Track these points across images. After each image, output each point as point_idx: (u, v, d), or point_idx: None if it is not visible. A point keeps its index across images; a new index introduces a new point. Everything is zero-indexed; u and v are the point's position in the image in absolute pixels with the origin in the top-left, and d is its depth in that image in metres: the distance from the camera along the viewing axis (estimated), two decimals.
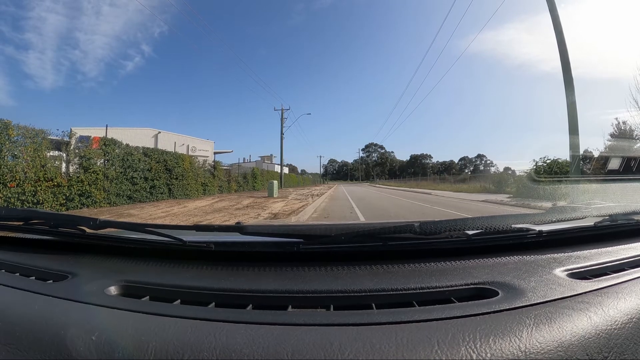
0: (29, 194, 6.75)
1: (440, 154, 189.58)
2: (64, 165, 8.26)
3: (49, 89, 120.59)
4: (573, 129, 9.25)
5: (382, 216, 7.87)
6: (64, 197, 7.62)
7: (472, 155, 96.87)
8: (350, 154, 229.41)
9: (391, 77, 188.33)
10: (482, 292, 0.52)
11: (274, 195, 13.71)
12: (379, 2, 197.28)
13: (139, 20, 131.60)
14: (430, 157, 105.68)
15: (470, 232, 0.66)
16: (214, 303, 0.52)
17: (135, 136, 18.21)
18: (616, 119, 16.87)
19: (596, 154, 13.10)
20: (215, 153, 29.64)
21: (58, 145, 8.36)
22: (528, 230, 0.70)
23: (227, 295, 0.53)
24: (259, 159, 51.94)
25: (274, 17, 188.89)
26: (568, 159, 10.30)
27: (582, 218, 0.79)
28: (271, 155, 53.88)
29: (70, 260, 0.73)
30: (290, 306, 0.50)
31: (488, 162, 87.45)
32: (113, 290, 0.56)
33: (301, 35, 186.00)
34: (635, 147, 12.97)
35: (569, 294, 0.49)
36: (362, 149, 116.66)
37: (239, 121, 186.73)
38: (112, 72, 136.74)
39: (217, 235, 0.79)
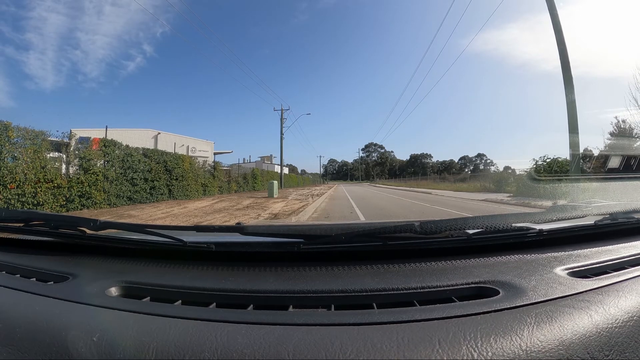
0: (29, 196, 6.74)
1: (440, 154, 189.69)
2: (63, 166, 8.25)
3: (50, 90, 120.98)
4: (573, 128, 9.26)
5: (382, 216, 7.87)
6: (64, 198, 7.61)
7: (472, 154, 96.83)
8: (350, 154, 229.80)
9: (392, 76, 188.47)
10: (482, 291, 0.52)
11: (274, 196, 13.70)
12: (381, 0, 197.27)
13: (140, 19, 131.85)
14: (430, 156, 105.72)
15: (471, 232, 0.66)
16: (214, 303, 0.51)
17: (135, 137, 18.19)
18: (616, 117, 16.83)
19: (596, 153, 13.10)
20: (215, 154, 29.63)
21: (58, 146, 8.36)
22: (528, 229, 0.69)
23: (228, 295, 0.53)
24: (259, 159, 51.92)
25: (276, 16, 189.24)
26: (568, 157, 10.31)
27: (583, 217, 0.79)
28: (271, 155, 53.86)
29: (70, 262, 0.73)
30: (291, 306, 0.50)
31: (488, 161, 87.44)
32: (114, 291, 0.56)
33: (303, 35, 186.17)
34: (635, 145, 12.93)
35: (570, 293, 0.49)
36: (362, 149, 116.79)
37: (239, 122, 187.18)
38: (113, 72, 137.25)
39: (218, 235, 0.79)
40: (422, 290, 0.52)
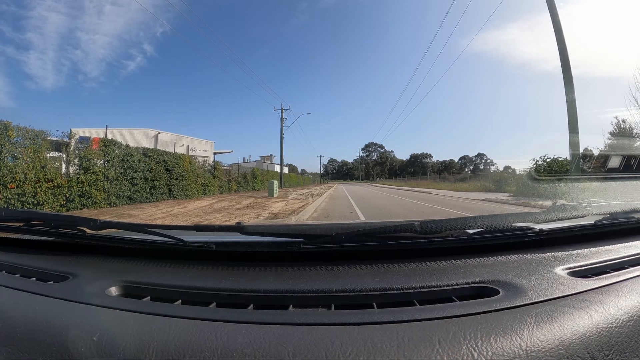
0: (29, 195, 6.74)
1: (440, 153, 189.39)
2: (63, 166, 8.24)
3: (50, 90, 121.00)
4: (573, 128, 9.26)
5: (382, 215, 7.87)
6: (64, 198, 7.61)
7: (472, 154, 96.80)
8: (350, 154, 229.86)
9: (392, 76, 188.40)
10: (483, 291, 0.52)
11: (274, 195, 13.70)
12: (381, 0, 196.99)
13: (141, 19, 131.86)
14: (430, 156, 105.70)
15: (471, 231, 0.66)
16: (214, 303, 0.52)
17: (135, 137, 18.20)
18: (616, 117, 16.87)
19: (596, 153, 13.11)
20: (215, 153, 29.62)
21: (58, 146, 8.35)
22: (528, 228, 0.69)
23: (228, 295, 0.53)
24: (259, 159, 51.93)
25: (276, 16, 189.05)
26: (568, 157, 10.31)
27: (583, 216, 0.79)
28: (271, 155, 53.88)
29: (70, 261, 0.73)
30: (291, 306, 0.50)
31: (488, 161, 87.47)
32: (114, 290, 0.56)
33: (303, 35, 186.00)
34: (635, 145, 12.93)
35: (570, 293, 0.49)
36: (362, 149, 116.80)
37: (239, 121, 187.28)
38: (113, 72, 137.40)
39: (218, 235, 0.79)
40: (422, 290, 0.52)
